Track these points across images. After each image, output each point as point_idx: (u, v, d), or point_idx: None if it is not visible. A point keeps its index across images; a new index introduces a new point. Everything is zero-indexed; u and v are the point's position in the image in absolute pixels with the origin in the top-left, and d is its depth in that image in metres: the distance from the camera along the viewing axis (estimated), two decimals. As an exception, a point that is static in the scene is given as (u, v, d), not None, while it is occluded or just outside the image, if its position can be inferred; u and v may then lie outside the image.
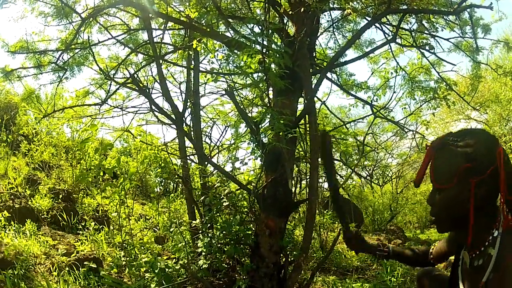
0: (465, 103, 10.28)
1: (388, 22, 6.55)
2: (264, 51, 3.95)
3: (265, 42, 4.04)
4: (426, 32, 6.59)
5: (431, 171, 1.98)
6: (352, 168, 7.49)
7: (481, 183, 1.80)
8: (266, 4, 5.00)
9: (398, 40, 6.45)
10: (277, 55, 3.91)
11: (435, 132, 16.98)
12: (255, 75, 4.53)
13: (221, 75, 6.01)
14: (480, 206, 1.83)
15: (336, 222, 8.85)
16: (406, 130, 8.01)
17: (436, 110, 7.83)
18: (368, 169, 14.24)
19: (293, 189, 4.87)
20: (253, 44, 4.03)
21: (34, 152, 9.08)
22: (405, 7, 5.60)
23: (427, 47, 6.46)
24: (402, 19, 5.92)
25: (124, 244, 5.80)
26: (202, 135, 6.92)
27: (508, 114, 15.05)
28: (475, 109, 13.85)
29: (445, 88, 7.12)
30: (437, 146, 1.95)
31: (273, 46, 4.20)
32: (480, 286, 1.77)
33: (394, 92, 7.25)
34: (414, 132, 8.12)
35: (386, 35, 6.50)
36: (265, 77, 4.14)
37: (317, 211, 5.57)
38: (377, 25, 6.21)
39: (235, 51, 4.68)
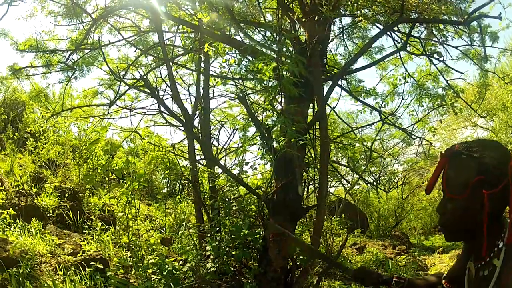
0: (472, 111, 10.28)
1: (398, 30, 6.56)
2: (278, 58, 3.96)
3: (279, 49, 4.06)
4: (435, 40, 6.59)
5: (443, 180, 1.96)
6: (359, 173, 7.48)
7: (493, 196, 1.79)
8: (279, 11, 5.02)
9: (408, 48, 6.46)
10: (291, 63, 3.93)
11: (442, 139, 16.97)
12: (267, 81, 4.54)
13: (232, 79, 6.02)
14: (489, 217, 1.83)
15: (344, 228, 8.86)
16: (413, 137, 8.00)
17: (443, 117, 7.84)
18: (374, 175, 14.23)
19: (302, 195, 4.88)
20: (268, 51, 4.05)
21: (41, 150, 9.10)
22: (416, 16, 5.62)
23: (435, 55, 6.47)
24: (413, 28, 5.93)
25: (130, 245, 5.80)
26: (210, 137, 6.92)
27: (515, 121, 15.02)
28: (482, 116, 13.81)
29: (453, 96, 7.13)
30: (451, 156, 1.94)
31: (287, 53, 4.22)
32: None
33: (402, 98, 7.28)
34: (421, 138, 8.12)
35: (396, 42, 6.51)
36: (278, 84, 4.15)
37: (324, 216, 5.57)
38: (387, 32, 6.21)
39: (249, 57, 4.70)
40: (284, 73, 4.23)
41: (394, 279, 2.69)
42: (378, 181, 13.81)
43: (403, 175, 16.53)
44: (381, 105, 7.01)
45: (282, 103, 4.76)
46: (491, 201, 1.79)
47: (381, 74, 7.99)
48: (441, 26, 6.37)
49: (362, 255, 8.44)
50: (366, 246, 9.12)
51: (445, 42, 6.51)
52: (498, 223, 1.83)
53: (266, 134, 4.32)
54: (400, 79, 7.52)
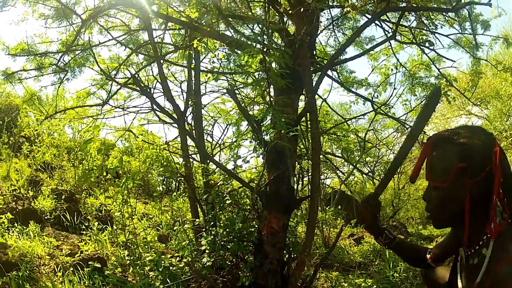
0: (466, 99, 10.29)
1: (387, 19, 6.56)
2: (265, 50, 3.97)
3: (265, 42, 4.06)
4: (425, 29, 6.59)
5: (426, 168, 1.96)
6: (354, 164, 7.49)
7: (477, 183, 1.78)
8: (266, 4, 5.02)
9: (398, 37, 6.46)
10: (278, 55, 3.94)
11: (436, 128, 17.04)
12: (256, 74, 4.55)
13: (221, 74, 6.03)
14: (475, 205, 1.82)
15: (339, 219, 8.87)
16: (407, 126, 8.01)
17: (437, 106, 7.83)
18: (369, 166, 14.23)
19: (295, 186, 4.89)
20: (254, 44, 4.05)
21: (36, 154, 9.10)
22: (404, 4, 5.62)
23: (426, 44, 6.47)
24: (402, 17, 5.94)
25: (127, 243, 5.83)
26: (204, 133, 6.93)
27: (509, 109, 15.07)
28: (476, 104, 13.87)
29: (446, 84, 7.12)
30: (433, 143, 1.93)
31: (273, 45, 4.22)
32: (474, 286, 1.77)
33: (395, 88, 7.27)
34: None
35: (386, 32, 6.51)
36: (266, 76, 4.16)
37: (319, 207, 5.58)
38: (377, 22, 6.21)
39: (236, 50, 4.71)
40: (273, 65, 4.24)
41: (385, 232, 2.64)
42: (373, 171, 13.79)
43: (399, 165, 16.52)
44: (374, 95, 7.02)
45: (272, 96, 4.77)
46: (475, 188, 1.79)
47: (373, 65, 7.99)
48: (431, 14, 6.38)
49: (359, 245, 8.46)
50: (363, 236, 9.15)
51: (435, 30, 6.52)
52: (486, 210, 1.80)
53: (257, 127, 4.33)
54: (392, 69, 7.52)
